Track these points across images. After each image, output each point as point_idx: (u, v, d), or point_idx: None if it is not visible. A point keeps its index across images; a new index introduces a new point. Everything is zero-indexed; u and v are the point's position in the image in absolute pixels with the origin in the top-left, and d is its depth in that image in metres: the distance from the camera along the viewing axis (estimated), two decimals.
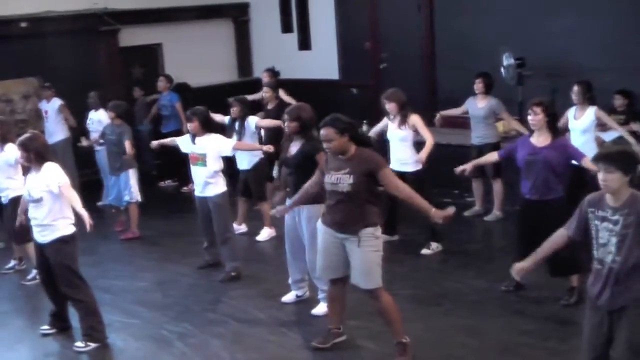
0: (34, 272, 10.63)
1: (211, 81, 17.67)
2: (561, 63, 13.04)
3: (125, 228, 12.57)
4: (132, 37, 16.86)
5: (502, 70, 13.03)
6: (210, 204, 10.08)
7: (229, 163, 11.27)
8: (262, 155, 11.25)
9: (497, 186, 11.97)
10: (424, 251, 10.53)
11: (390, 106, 10.36)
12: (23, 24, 15.35)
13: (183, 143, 10.34)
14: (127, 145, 12.00)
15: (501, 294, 9.02)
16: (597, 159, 5.83)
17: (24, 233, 10.00)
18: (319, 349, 7.85)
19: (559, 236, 6.16)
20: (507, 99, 13.03)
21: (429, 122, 14.61)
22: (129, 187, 12.23)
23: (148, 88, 16.12)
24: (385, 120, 10.73)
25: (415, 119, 10.34)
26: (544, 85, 12.76)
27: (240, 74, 18.81)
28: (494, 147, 11.43)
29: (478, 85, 11.86)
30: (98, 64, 16.51)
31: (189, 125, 10.09)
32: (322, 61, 16.93)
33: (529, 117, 8.52)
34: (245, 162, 11.43)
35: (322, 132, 7.24)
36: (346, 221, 7.26)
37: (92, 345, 8.30)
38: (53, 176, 8.14)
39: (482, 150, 11.60)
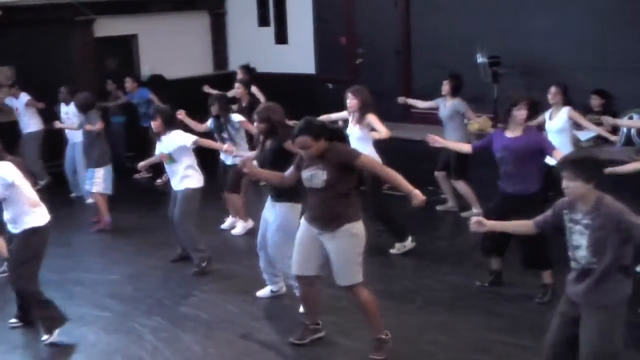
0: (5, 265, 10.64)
1: (186, 74, 17.59)
2: (538, 62, 13.05)
3: (99, 219, 12.51)
4: (107, 27, 16.74)
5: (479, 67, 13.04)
6: (179, 194, 10.08)
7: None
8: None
9: (461, 187, 11.96)
10: (392, 251, 10.51)
11: (352, 102, 10.17)
12: None
13: (157, 149, 10.34)
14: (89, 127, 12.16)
15: (475, 290, 9.05)
16: (559, 165, 5.91)
17: None
18: (296, 344, 7.82)
19: (524, 224, 6.30)
20: (482, 96, 13.10)
21: (402, 117, 14.76)
22: (94, 177, 12.20)
23: (122, 79, 15.97)
24: (344, 114, 10.68)
25: (371, 117, 10.12)
26: (519, 84, 12.80)
27: (215, 67, 18.73)
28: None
29: (445, 87, 11.95)
30: (72, 54, 16.40)
31: (153, 124, 10.08)
32: (298, 55, 16.89)
33: (515, 112, 8.55)
34: (229, 157, 11.34)
35: (298, 140, 7.16)
36: (323, 217, 7.24)
37: (56, 331, 8.21)
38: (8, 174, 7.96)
39: (450, 152, 11.51)
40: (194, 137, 10.01)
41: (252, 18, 17.92)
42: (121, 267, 10.56)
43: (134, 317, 8.76)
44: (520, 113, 8.53)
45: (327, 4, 16.43)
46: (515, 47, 13.24)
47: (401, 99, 12.76)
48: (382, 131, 10.08)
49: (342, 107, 13.61)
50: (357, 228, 7.28)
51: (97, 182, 12.21)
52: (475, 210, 11.69)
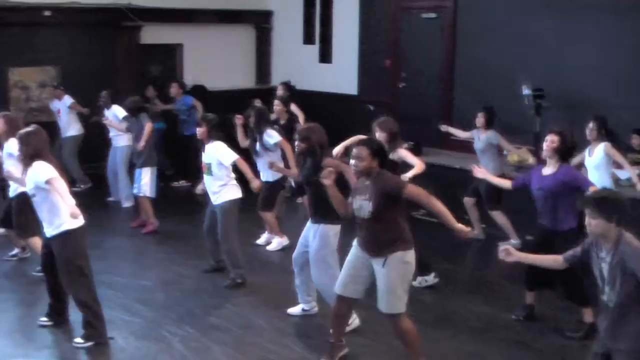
0: (15, 250, 10.94)
1: (228, 85, 17.66)
2: (580, 96, 12.95)
3: (143, 223, 12.62)
4: (153, 35, 16.87)
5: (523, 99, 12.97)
6: (217, 209, 10.09)
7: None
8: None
9: (497, 217, 11.90)
10: (414, 283, 10.35)
11: (380, 135, 9.70)
12: (47, 13, 15.37)
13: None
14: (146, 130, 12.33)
15: (507, 322, 8.95)
16: (583, 203, 5.93)
17: (29, 227, 10.10)
18: None
19: (554, 258, 6.29)
20: (524, 127, 13.03)
21: (440, 143, 14.73)
22: (141, 180, 12.34)
23: (163, 87, 16.06)
24: None
25: (402, 152, 9.78)
26: (561, 117, 12.72)
27: (257, 81, 18.80)
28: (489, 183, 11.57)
29: (479, 120, 11.94)
30: (116, 59, 16.53)
31: (198, 131, 10.13)
32: (341, 75, 16.91)
33: (544, 144, 8.61)
34: (266, 173, 11.36)
35: (356, 149, 7.18)
36: (373, 245, 7.24)
37: (90, 343, 8.22)
38: (40, 173, 8.00)
39: (481, 180, 11.45)
40: (234, 157, 9.95)
41: (298, 35, 17.99)
42: (153, 274, 10.59)
43: (164, 325, 8.76)
44: (546, 145, 8.56)
45: (373, 26, 16.43)
46: (559, 81, 13.16)
47: (443, 127, 12.72)
48: (417, 165, 9.67)
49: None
50: (409, 257, 7.26)
51: (144, 185, 12.35)
52: (513, 241, 11.58)
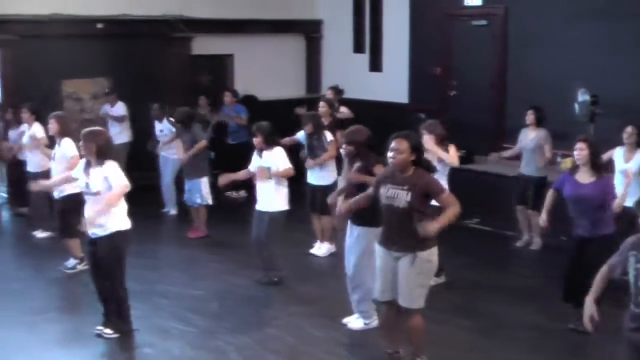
0: (73, 262, 10.99)
1: (278, 95, 17.69)
2: (633, 103, 12.80)
3: (193, 227, 12.80)
4: (204, 45, 16.94)
5: (576, 106, 12.84)
6: (267, 216, 10.23)
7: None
8: (337, 175, 11.36)
9: (535, 218, 11.77)
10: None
11: (428, 138, 9.93)
12: (99, 25, 15.52)
13: (252, 164, 10.47)
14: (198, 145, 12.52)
15: (560, 332, 8.83)
16: (637, 203, 5.98)
17: (72, 229, 10.40)
18: None
19: (603, 278, 6.11)
20: (577, 135, 12.87)
21: (491, 151, 14.65)
22: (201, 189, 12.54)
23: (214, 98, 16.16)
24: None
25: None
26: (614, 124, 12.57)
27: (308, 90, 18.81)
28: (540, 180, 11.83)
29: (529, 117, 12.05)
30: (169, 70, 16.61)
31: (255, 140, 10.26)
32: (391, 84, 16.87)
33: (575, 153, 8.63)
34: (314, 178, 11.45)
35: (395, 142, 7.23)
36: (401, 238, 7.28)
37: (118, 334, 8.59)
38: (115, 174, 8.31)
39: (528, 180, 11.99)
40: (288, 166, 10.22)
41: (348, 44, 17.98)
42: (206, 283, 10.60)
43: (218, 335, 8.78)
44: (577, 153, 8.58)
45: (423, 34, 16.38)
46: (611, 88, 12.99)
47: (493, 156, 12.57)
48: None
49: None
50: (433, 254, 7.38)
51: (206, 194, 12.64)
52: (537, 239, 12.01)
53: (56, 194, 10.82)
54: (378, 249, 7.56)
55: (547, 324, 9.10)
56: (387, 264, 7.44)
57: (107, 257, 8.37)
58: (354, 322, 8.92)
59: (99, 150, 8.31)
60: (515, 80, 14.81)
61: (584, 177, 8.57)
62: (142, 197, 13.44)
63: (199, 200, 12.69)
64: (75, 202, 9.96)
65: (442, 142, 9.98)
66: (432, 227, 7.04)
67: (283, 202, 10.30)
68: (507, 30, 14.95)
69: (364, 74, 17.50)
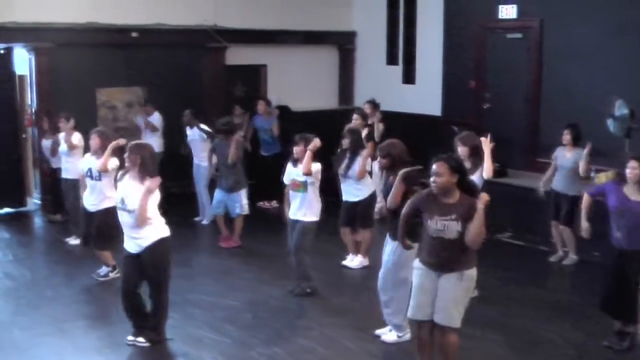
0: (106, 269, 11.11)
1: (311, 106, 17.68)
2: None
3: (230, 239, 12.80)
4: (238, 55, 17.00)
5: (610, 120, 12.72)
6: (299, 226, 10.24)
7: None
8: (373, 190, 11.42)
9: (568, 233, 11.85)
10: None
11: (462, 150, 9.89)
12: (134, 34, 15.59)
13: (286, 174, 10.47)
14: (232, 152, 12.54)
15: (596, 349, 8.75)
16: None
17: (108, 242, 10.60)
18: None
19: None
20: (612, 150, 12.76)
21: (526, 165, 14.60)
22: (240, 201, 12.62)
23: (248, 107, 16.18)
24: None
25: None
26: None
27: (340, 102, 18.80)
28: (574, 198, 11.58)
29: (566, 137, 11.90)
30: (203, 80, 16.70)
31: (295, 149, 10.21)
32: (425, 96, 16.82)
33: (627, 171, 8.56)
34: (351, 194, 11.41)
35: (434, 166, 7.19)
36: (449, 264, 7.25)
37: (149, 344, 8.60)
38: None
39: (561, 197, 11.88)
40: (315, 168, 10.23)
41: (381, 56, 17.96)
42: (240, 294, 10.57)
43: (252, 345, 8.77)
44: (630, 172, 8.51)
45: (457, 46, 16.33)
46: None
47: (540, 191, 12.46)
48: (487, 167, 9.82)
49: None
50: (475, 274, 7.37)
51: (244, 204, 12.69)
52: (572, 256, 11.86)
53: (92, 208, 10.87)
54: (418, 266, 7.50)
55: (583, 341, 9.02)
56: (427, 283, 7.37)
57: (153, 267, 8.40)
58: (387, 335, 8.87)
59: (143, 163, 8.33)
60: (550, 94, 14.71)
61: (633, 193, 8.49)
62: (175, 206, 13.62)
63: (238, 210, 12.70)
64: (112, 216, 10.00)
65: (476, 154, 9.91)
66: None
67: (315, 213, 10.29)
68: (542, 43, 14.85)
69: (397, 86, 17.47)
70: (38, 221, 14.85)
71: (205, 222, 14.23)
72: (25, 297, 10.45)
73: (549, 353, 8.71)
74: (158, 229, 8.42)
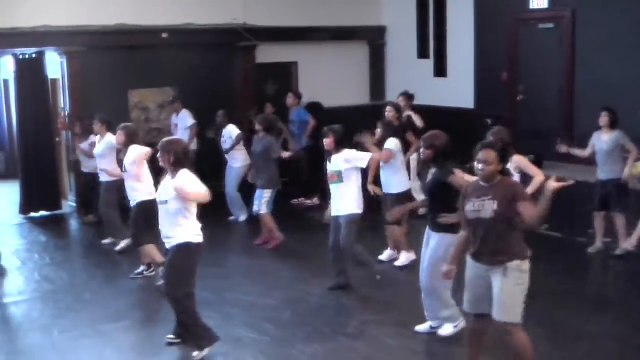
0: (142, 267, 11.15)
1: (343, 102, 17.65)
2: None
3: (266, 240, 12.69)
4: (268, 54, 17.02)
5: None
6: (342, 220, 10.17)
7: None
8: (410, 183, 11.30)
9: (620, 220, 11.59)
10: None
11: None
12: (164, 35, 15.63)
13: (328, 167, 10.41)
14: (279, 154, 12.46)
15: None
16: None
17: (142, 236, 10.62)
18: None
19: None
20: None
21: (561, 156, 14.44)
22: (262, 197, 12.43)
23: (280, 105, 16.15)
24: None
25: (518, 159, 9.79)
26: None
27: (372, 98, 18.76)
28: (620, 183, 11.46)
29: (603, 119, 11.69)
30: (234, 79, 16.73)
31: (325, 142, 10.19)
32: (457, 89, 16.73)
33: None
34: (390, 185, 11.28)
35: (483, 153, 7.05)
36: (492, 250, 7.07)
37: (207, 350, 8.30)
38: (184, 182, 8.08)
39: (606, 185, 11.64)
40: (369, 156, 10.20)
41: (412, 50, 17.89)
42: (278, 292, 10.53)
43: (292, 344, 8.71)
44: None
45: (489, 39, 16.23)
46: None
47: (562, 148, 12.35)
48: (537, 175, 9.48)
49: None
50: (525, 266, 7.13)
51: (265, 202, 12.43)
52: (624, 245, 11.45)
53: (131, 202, 10.92)
54: (468, 261, 7.38)
55: (628, 335, 8.85)
56: (477, 277, 7.24)
57: (170, 268, 8.26)
58: (443, 329, 8.74)
59: (176, 160, 8.15)
60: (584, 85, 14.60)
61: None
62: (210, 206, 13.62)
63: (256, 208, 12.55)
64: (147, 210, 10.03)
65: (505, 148, 9.74)
66: (534, 212, 6.82)
67: (356, 206, 10.17)
68: (574, 33, 14.74)
69: (429, 79, 17.38)
70: (74, 224, 14.92)
71: (241, 218, 14.20)
72: (64, 300, 10.49)
73: (593, 346, 8.57)
74: (188, 232, 8.17)
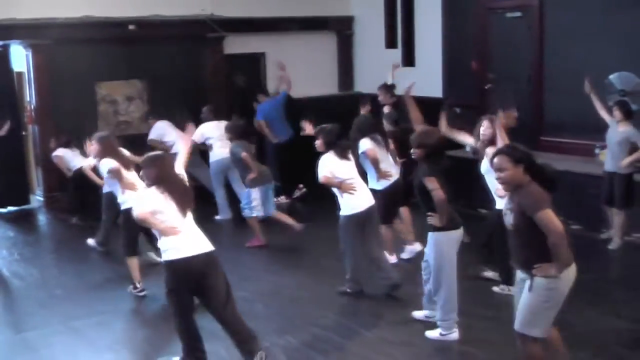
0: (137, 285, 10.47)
1: (312, 93, 17.59)
2: None
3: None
4: (237, 45, 16.93)
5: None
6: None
7: None
8: (396, 177, 10.86)
9: (619, 217, 11.53)
10: (495, 289, 9.82)
11: (488, 132, 9.50)
12: (131, 27, 15.52)
13: None
14: (244, 157, 12.16)
15: None
16: None
17: (128, 246, 10.30)
18: None
19: None
20: None
21: (532, 145, 14.46)
22: (250, 202, 12.24)
23: (249, 97, 16.11)
24: (469, 140, 10.01)
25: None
26: None
27: (341, 88, 18.71)
28: (625, 176, 11.43)
29: (616, 114, 11.59)
30: (202, 70, 16.63)
31: (316, 143, 9.73)
32: (425, 78, 16.62)
33: None
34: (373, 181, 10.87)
35: (495, 160, 6.65)
36: (521, 261, 6.69)
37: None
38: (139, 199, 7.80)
39: (612, 177, 11.58)
40: (320, 176, 9.58)
41: (380, 40, 17.84)
42: (250, 285, 10.47)
43: (265, 335, 8.59)
44: None
45: (457, 27, 16.22)
46: None
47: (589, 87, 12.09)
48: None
49: (468, 132, 13.41)
50: (554, 284, 6.51)
51: (254, 206, 12.22)
52: (617, 239, 11.52)
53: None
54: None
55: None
56: (519, 280, 6.83)
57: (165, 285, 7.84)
58: (431, 331, 8.54)
59: (158, 178, 7.59)
60: (553, 72, 14.59)
61: None
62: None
63: (247, 212, 12.35)
64: (125, 219, 9.91)
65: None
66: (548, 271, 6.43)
67: (347, 208, 9.69)
68: (542, 21, 14.73)
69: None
70: (42, 219, 14.81)
71: (220, 216, 14.11)
72: (35, 297, 10.40)
73: (600, 346, 8.25)
74: (170, 250, 7.56)
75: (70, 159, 14.04)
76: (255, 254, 11.94)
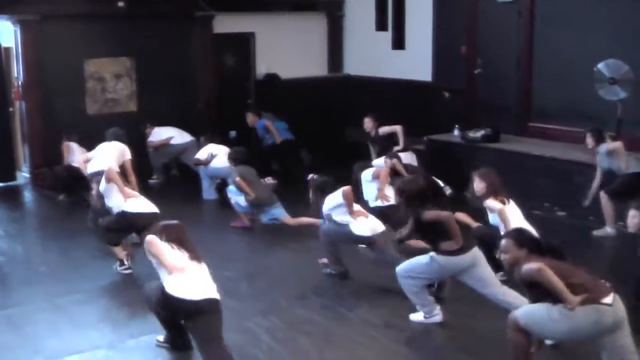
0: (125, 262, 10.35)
1: (301, 74, 17.54)
2: None
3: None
4: (226, 24, 16.82)
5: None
6: None
7: None
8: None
9: (607, 205, 11.44)
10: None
11: (479, 186, 9.41)
12: (120, 4, 15.43)
13: None
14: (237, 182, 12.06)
15: None
16: None
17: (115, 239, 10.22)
18: None
19: None
20: (605, 116, 12.67)
21: (519, 130, 14.51)
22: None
23: (238, 77, 16.04)
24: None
25: (490, 203, 9.28)
26: None
27: (330, 69, 18.62)
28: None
29: (588, 140, 11.71)
30: (191, 50, 16.53)
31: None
32: (415, 62, 16.65)
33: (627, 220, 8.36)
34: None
35: (502, 242, 6.86)
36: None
37: None
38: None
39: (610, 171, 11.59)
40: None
41: (370, 22, 17.75)
42: (236, 265, 10.48)
43: (249, 316, 8.68)
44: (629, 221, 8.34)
45: (448, 11, 16.16)
46: None
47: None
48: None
49: (456, 116, 13.46)
50: (567, 311, 6.39)
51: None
52: (609, 229, 11.41)
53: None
54: None
55: None
56: None
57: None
58: (414, 314, 8.54)
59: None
60: (542, 59, 14.57)
61: None
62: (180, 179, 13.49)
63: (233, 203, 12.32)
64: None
65: (491, 191, 9.33)
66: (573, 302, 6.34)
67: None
68: (533, 7, 14.70)
69: (386, 52, 17.25)
70: (28, 195, 14.73)
71: (205, 197, 14.06)
72: (19, 274, 10.37)
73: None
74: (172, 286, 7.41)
75: (76, 155, 13.84)
76: (241, 233, 11.91)
